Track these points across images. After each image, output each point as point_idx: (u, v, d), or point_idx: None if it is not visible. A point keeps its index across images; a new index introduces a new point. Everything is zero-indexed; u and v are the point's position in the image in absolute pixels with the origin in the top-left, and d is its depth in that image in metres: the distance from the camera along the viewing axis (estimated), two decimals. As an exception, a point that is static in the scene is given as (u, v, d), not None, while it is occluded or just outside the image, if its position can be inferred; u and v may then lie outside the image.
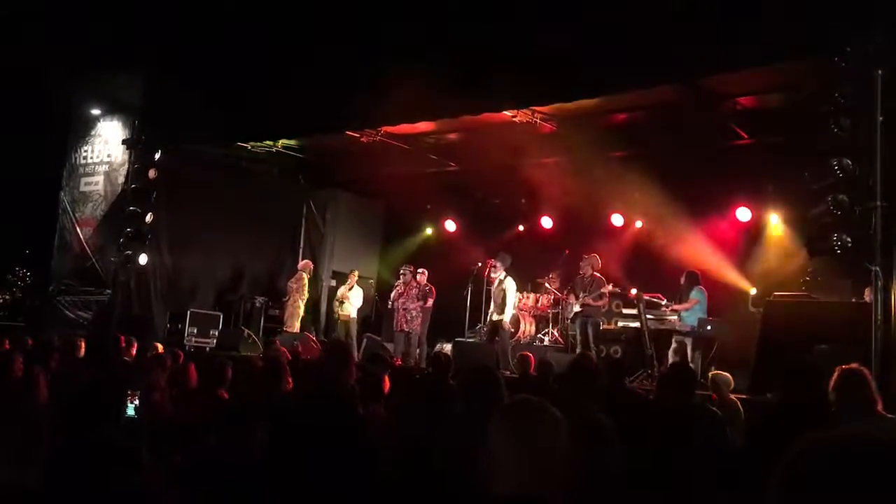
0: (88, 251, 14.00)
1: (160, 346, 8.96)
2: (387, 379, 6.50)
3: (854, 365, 3.93)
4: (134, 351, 8.31)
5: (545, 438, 1.89)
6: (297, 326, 13.42)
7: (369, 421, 4.61)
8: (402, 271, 13.18)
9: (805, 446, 1.08)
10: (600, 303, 11.16)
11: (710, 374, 7.07)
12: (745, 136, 10.67)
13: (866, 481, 1.02)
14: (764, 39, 7.63)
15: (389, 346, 12.68)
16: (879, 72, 6.99)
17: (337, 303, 13.88)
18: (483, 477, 1.90)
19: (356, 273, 14.02)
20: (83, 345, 8.29)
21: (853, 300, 8.13)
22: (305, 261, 14.49)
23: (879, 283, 7.01)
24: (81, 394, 4.40)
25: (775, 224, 11.74)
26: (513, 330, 12.26)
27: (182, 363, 6.65)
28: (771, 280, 10.88)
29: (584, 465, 2.22)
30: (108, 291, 13.32)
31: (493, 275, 11.87)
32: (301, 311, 13.62)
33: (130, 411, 4.12)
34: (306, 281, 13.79)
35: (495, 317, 11.68)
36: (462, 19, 9.52)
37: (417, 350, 12.75)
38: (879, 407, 3.98)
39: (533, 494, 1.81)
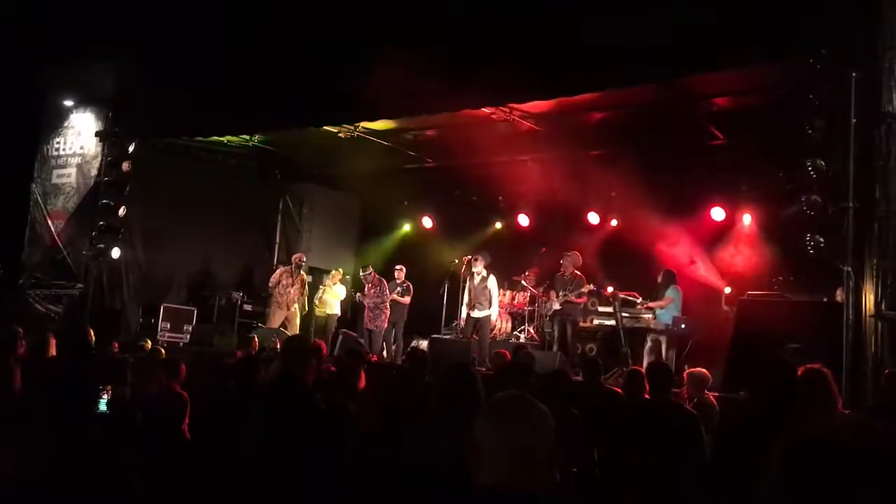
0: (60, 244, 13.78)
1: (149, 343, 8.90)
2: (363, 373, 6.50)
3: (816, 364, 3.97)
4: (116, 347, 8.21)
5: (533, 431, 1.90)
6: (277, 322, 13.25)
7: (342, 415, 4.60)
8: (363, 272, 13.20)
9: (799, 442, 1.09)
10: (581, 300, 11.20)
11: (686, 371, 7.12)
12: (721, 137, 10.76)
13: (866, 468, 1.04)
14: (740, 41, 7.69)
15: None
16: (854, 74, 7.08)
17: (317, 298, 13.81)
18: (463, 468, 1.90)
19: (340, 270, 13.98)
20: (53, 339, 8.18)
21: (825, 300, 8.24)
22: (300, 254, 14.24)
23: (851, 283, 7.10)
24: (56, 387, 4.34)
25: (749, 224, 11.86)
26: (490, 327, 12.29)
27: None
28: (744, 279, 11.00)
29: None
30: (80, 285, 13.14)
31: (473, 270, 11.86)
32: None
33: (102, 406, 4.06)
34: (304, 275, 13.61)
35: (476, 313, 11.69)
36: (440, 17, 9.50)
37: (394, 345, 12.79)
38: (839, 406, 4.03)
39: (518, 486, 1.83)
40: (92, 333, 8.22)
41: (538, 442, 1.89)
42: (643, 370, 5.73)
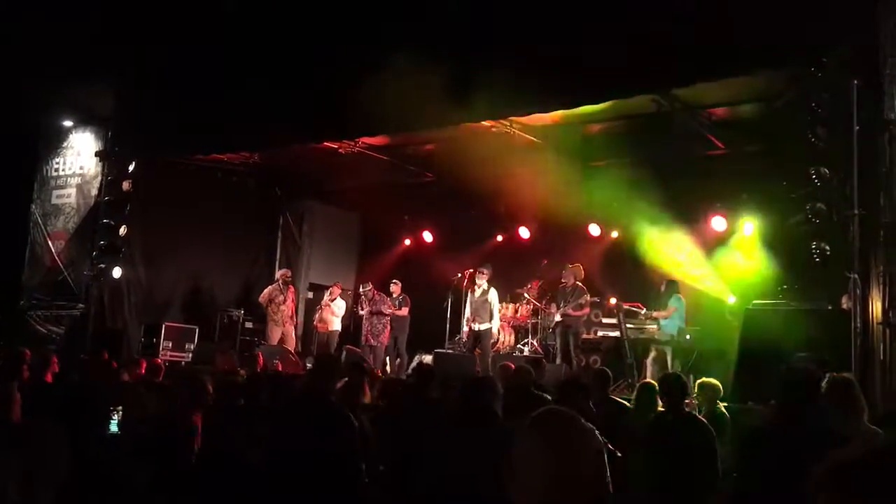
0: (60, 265, 13.75)
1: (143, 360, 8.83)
2: (366, 387, 6.47)
3: (844, 374, 3.94)
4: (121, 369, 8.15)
5: (576, 451, 1.81)
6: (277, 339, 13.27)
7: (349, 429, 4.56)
8: (362, 288, 13.23)
9: (853, 467, 1.06)
10: (581, 312, 11.17)
11: (698, 382, 7.08)
12: (721, 146, 10.76)
13: None
14: (741, 49, 7.69)
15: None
16: (855, 81, 7.08)
17: (316, 316, 13.78)
18: (495, 487, 1.83)
19: (340, 285, 13.95)
20: (56, 360, 8.13)
21: (830, 308, 8.20)
22: (285, 270, 14.29)
23: (857, 290, 7.08)
24: (63, 410, 4.29)
25: (752, 232, 11.83)
26: (493, 340, 12.25)
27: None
28: (749, 288, 10.96)
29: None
30: (81, 305, 13.08)
31: (477, 281, 11.86)
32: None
33: (114, 427, 4.02)
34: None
35: (477, 326, 11.65)
36: (439, 31, 9.51)
37: (398, 360, 12.76)
38: (865, 417, 3.99)
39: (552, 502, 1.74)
40: (105, 354, 8.20)
41: (581, 462, 1.79)
42: (656, 383, 5.70)
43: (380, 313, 12.95)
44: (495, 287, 12.02)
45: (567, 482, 1.76)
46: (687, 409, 4.79)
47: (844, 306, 7.52)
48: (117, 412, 4.02)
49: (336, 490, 3.54)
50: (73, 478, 2.34)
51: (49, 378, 6.85)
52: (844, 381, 3.79)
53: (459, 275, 12.72)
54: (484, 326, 11.59)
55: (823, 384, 3.76)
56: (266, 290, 13.59)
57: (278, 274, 13.88)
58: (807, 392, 3.43)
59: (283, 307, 13.27)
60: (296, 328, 14.41)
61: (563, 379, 4.63)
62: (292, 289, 13.62)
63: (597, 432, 1.85)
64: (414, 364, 11.93)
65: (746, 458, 3.42)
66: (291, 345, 13.10)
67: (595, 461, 1.81)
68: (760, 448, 3.40)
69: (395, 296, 13.13)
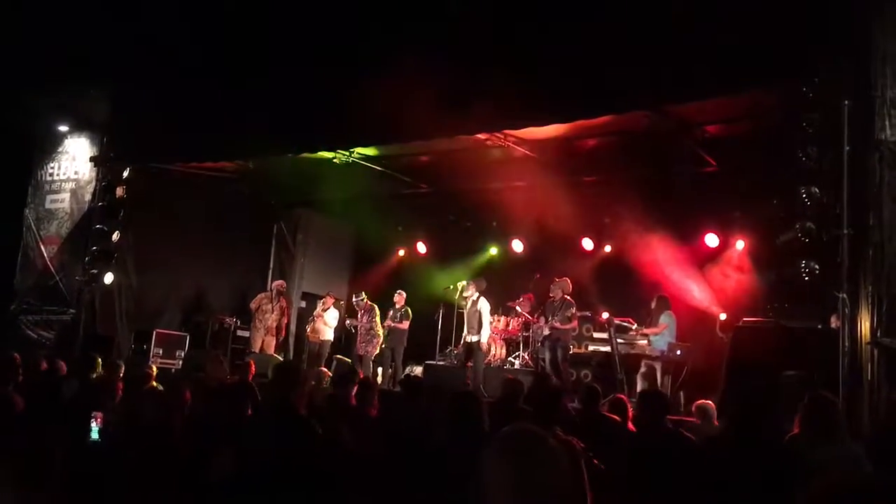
0: (52, 269, 13.74)
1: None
2: (353, 396, 6.48)
3: (822, 392, 3.94)
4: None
5: (545, 471, 1.75)
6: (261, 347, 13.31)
7: (337, 440, 4.56)
8: (355, 298, 13.23)
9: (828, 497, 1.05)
10: (569, 326, 11.17)
11: (694, 404, 7.12)
12: (714, 164, 10.82)
13: None
14: (733, 67, 7.75)
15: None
16: (846, 101, 7.14)
17: (308, 326, 13.79)
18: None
19: (332, 296, 13.94)
20: (45, 365, 8.12)
21: (820, 326, 8.23)
22: (280, 281, 14.35)
23: (846, 310, 7.10)
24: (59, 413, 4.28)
25: (742, 250, 11.88)
26: (485, 352, 12.24)
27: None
28: (739, 305, 11.00)
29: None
30: (72, 311, 13.06)
31: (465, 294, 11.88)
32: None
33: (95, 434, 4.00)
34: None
35: (469, 338, 11.65)
36: (436, 42, 9.56)
37: (391, 370, 12.74)
38: (843, 435, 3.99)
39: None
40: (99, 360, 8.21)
41: (550, 482, 1.72)
42: (625, 398, 5.74)
43: (372, 329, 12.91)
44: (487, 299, 12.02)
45: (534, 502, 1.72)
46: (670, 426, 4.81)
47: (833, 325, 7.55)
48: (97, 419, 4.00)
49: (300, 499, 3.54)
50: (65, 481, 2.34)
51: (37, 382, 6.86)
52: (821, 399, 3.79)
53: (451, 287, 12.72)
54: (475, 338, 11.58)
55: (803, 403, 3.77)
56: (257, 297, 13.64)
57: (273, 284, 13.89)
58: (758, 408, 3.44)
59: (268, 316, 13.33)
60: (287, 338, 14.40)
61: (537, 391, 4.62)
62: (283, 301, 13.64)
63: (570, 450, 1.82)
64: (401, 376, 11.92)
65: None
66: (271, 352, 13.17)
67: (563, 480, 1.76)
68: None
69: (397, 307, 13.01)
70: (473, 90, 9.07)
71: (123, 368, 8.54)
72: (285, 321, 13.81)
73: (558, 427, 4.15)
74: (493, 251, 14.77)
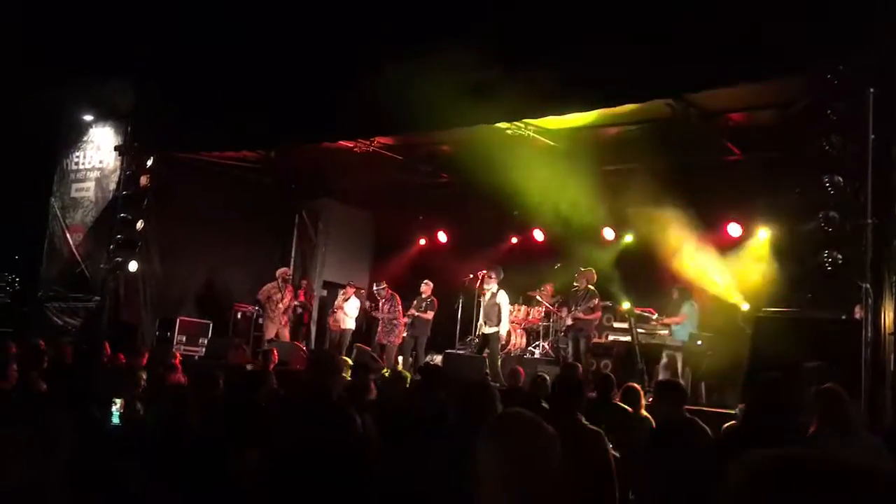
0: (78, 257, 13.91)
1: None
2: (373, 386, 6.50)
3: (829, 384, 3.89)
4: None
5: (537, 458, 1.72)
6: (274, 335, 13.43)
7: (353, 428, 4.58)
8: (376, 287, 13.25)
9: (760, 466, 1.03)
10: (592, 316, 11.14)
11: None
12: (737, 152, 10.70)
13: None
14: (757, 56, 7.65)
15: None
16: (871, 90, 7.02)
17: (330, 315, 13.87)
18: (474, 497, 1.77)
19: (353, 286, 14.00)
20: (70, 352, 8.23)
21: (843, 317, 8.13)
22: (284, 268, 14.46)
23: (870, 300, 7.01)
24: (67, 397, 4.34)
25: (766, 240, 11.75)
26: (504, 342, 12.23)
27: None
28: (761, 295, 10.88)
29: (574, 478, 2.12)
30: (97, 298, 13.22)
31: (485, 286, 11.87)
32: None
33: (115, 419, 4.06)
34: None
35: (486, 329, 11.65)
36: (457, 31, 9.52)
37: (411, 358, 12.77)
38: (855, 427, 3.94)
39: None
40: (107, 346, 8.27)
41: (542, 468, 1.69)
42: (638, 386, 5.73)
43: (394, 318, 12.92)
44: (507, 289, 12.00)
45: (527, 489, 1.69)
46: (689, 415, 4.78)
47: (857, 316, 7.46)
48: (117, 405, 4.06)
49: (336, 490, 3.55)
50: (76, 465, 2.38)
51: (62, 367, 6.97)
52: (827, 391, 3.73)
53: (471, 276, 12.71)
54: (492, 330, 11.57)
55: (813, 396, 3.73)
56: (265, 288, 13.71)
57: (278, 272, 13.97)
58: (763, 403, 3.39)
59: (279, 305, 13.43)
60: (308, 326, 14.51)
61: (556, 382, 4.61)
62: (290, 287, 13.76)
63: (597, 439, 1.79)
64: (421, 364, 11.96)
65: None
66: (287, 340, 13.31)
67: (554, 466, 1.73)
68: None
69: (423, 296, 12.99)
70: (494, 79, 9.03)
71: (147, 355, 8.66)
72: (294, 304, 13.94)
73: (581, 415, 4.14)
74: (514, 240, 14.67)
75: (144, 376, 6.53)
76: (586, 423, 4.07)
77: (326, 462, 3.73)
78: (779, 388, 3.55)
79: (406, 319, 12.88)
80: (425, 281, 13.22)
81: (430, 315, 12.82)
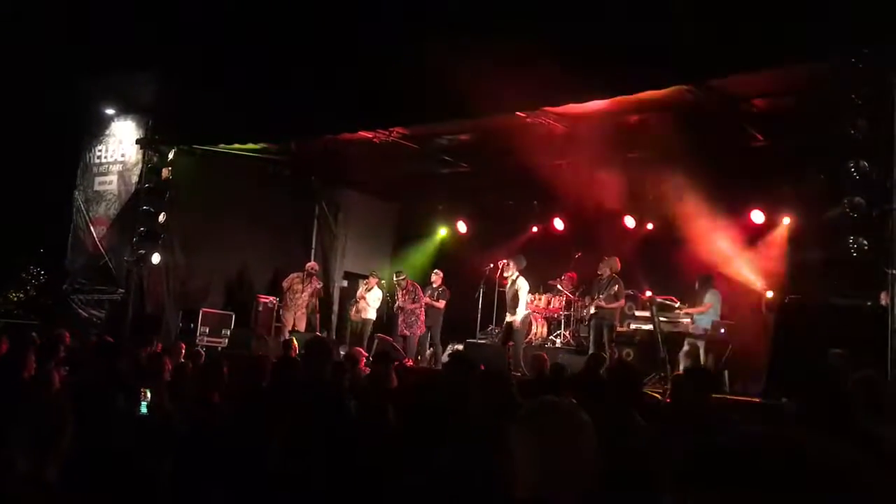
0: (102, 250, 14.05)
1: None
2: (394, 376, 6.52)
3: (868, 371, 3.84)
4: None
5: (570, 442, 1.75)
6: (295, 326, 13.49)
7: (375, 417, 4.59)
8: (396, 277, 13.25)
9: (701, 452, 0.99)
10: (615, 304, 11.09)
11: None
12: (760, 138, 10.59)
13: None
14: (780, 40, 7.55)
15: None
16: (896, 74, 6.93)
17: (351, 306, 13.92)
18: (499, 480, 1.79)
19: (376, 276, 14.02)
20: (94, 343, 8.32)
21: (868, 304, 8.04)
22: (313, 262, 14.52)
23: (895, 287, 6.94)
24: (92, 391, 4.39)
25: (790, 226, 11.63)
26: (525, 331, 12.21)
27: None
28: (785, 283, 10.79)
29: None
30: (121, 290, 13.37)
31: (504, 275, 11.86)
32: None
33: (143, 409, 4.11)
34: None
35: (509, 318, 11.64)
36: (476, 22, 9.48)
37: (429, 350, 12.79)
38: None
39: (546, 497, 1.70)
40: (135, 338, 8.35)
41: (577, 454, 1.72)
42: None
43: (415, 308, 12.94)
44: (529, 278, 11.98)
45: (561, 474, 1.71)
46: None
47: (883, 303, 7.37)
48: (144, 395, 4.10)
49: (329, 476, 3.58)
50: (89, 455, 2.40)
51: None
52: (868, 379, 3.68)
53: (491, 265, 12.70)
54: (512, 318, 11.57)
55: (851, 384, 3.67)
56: (289, 277, 13.76)
57: (307, 265, 14.03)
58: (828, 392, 3.32)
59: (299, 296, 13.48)
60: (320, 315, 14.58)
61: (612, 374, 4.52)
62: (315, 281, 13.79)
63: (591, 424, 1.79)
64: (445, 355, 11.97)
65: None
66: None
67: (588, 454, 1.75)
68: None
69: (434, 286, 13.05)
70: (513, 68, 8.98)
71: (173, 347, 8.73)
72: (315, 301, 13.99)
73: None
74: (535, 229, 14.65)
75: (170, 367, 6.58)
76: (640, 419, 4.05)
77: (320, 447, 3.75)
78: (838, 375, 3.51)
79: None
80: (435, 270, 13.24)
81: (441, 304, 12.85)
